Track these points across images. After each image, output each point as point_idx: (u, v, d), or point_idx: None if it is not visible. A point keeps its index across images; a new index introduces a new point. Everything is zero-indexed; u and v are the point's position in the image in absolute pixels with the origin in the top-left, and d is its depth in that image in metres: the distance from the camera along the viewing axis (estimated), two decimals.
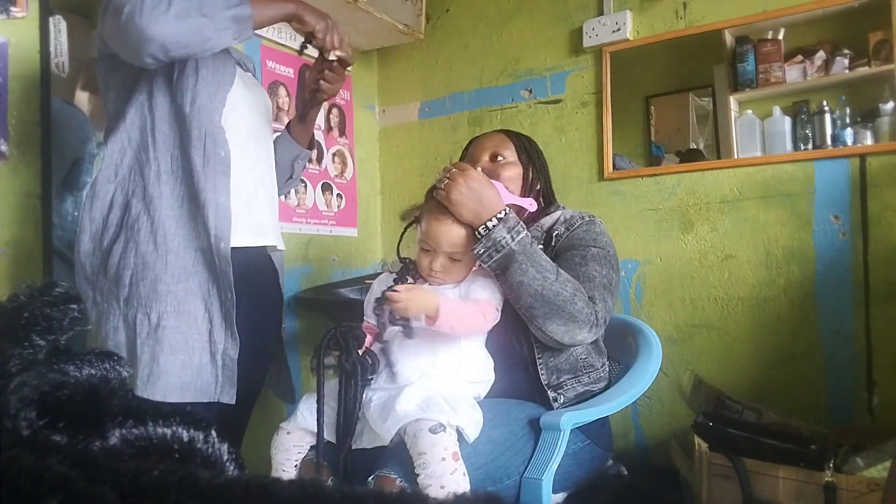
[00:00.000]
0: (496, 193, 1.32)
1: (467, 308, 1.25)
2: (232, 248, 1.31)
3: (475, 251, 1.28)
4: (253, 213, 1.40)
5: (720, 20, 2.12)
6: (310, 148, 1.65)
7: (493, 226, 1.28)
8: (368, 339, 1.30)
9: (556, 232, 1.43)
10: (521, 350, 1.37)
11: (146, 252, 1.26)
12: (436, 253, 1.31)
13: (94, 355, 0.43)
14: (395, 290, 1.17)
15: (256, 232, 1.43)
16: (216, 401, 1.28)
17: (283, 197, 2.36)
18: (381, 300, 1.21)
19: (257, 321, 1.42)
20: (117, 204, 1.30)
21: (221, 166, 1.32)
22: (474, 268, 1.35)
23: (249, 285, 1.37)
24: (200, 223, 1.29)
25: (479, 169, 1.41)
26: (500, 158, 1.47)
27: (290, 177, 1.66)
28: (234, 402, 1.29)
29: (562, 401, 1.36)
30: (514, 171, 1.46)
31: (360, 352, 1.24)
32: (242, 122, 1.39)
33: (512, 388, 1.37)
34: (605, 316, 1.34)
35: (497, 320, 1.30)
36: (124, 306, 1.26)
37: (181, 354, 1.25)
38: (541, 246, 1.39)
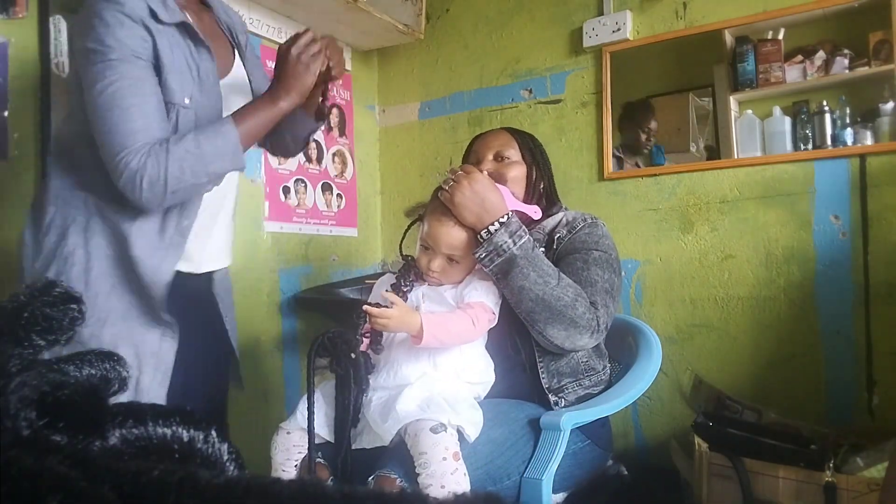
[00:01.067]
0: (500, 198, 1.31)
1: (454, 318, 1.24)
2: (180, 274, 1.27)
3: (476, 255, 1.28)
4: (206, 246, 1.34)
5: (720, 20, 2.12)
6: (318, 118, 1.45)
7: (496, 230, 1.27)
8: (364, 342, 1.29)
9: (558, 234, 1.42)
10: (522, 353, 1.36)
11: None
12: (435, 253, 1.31)
13: (94, 355, 0.43)
14: (378, 306, 1.17)
15: (208, 259, 1.38)
16: None
17: (283, 196, 2.37)
18: (360, 313, 1.19)
19: (207, 340, 1.40)
20: (55, 227, 1.21)
21: (179, 238, 1.24)
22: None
23: (198, 310, 1.35)
24: (131, 267, 1.22)
25: (485, 170, 1.41)
26: (504, 158, 1.47)
27: (304, 144, 1.55)
28: None
29: (563, 405, 1.35)
30: (518, 171, 1.46)
31: (353, 356, 1.24)
32: None
33: (512, 391, 1.36)
34: (607, 321, 1.34)
35: (493, 322, 1.30)
36: None
37: None
38: (542, 248, 1.38)
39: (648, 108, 2.29)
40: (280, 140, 1.49)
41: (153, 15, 1.16)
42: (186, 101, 1.20)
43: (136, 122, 1.12)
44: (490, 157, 1.48)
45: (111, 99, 1.12)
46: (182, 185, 1.15)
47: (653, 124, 2.30)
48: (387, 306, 1.18)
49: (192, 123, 1.20)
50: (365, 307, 1.17)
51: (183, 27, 1.22)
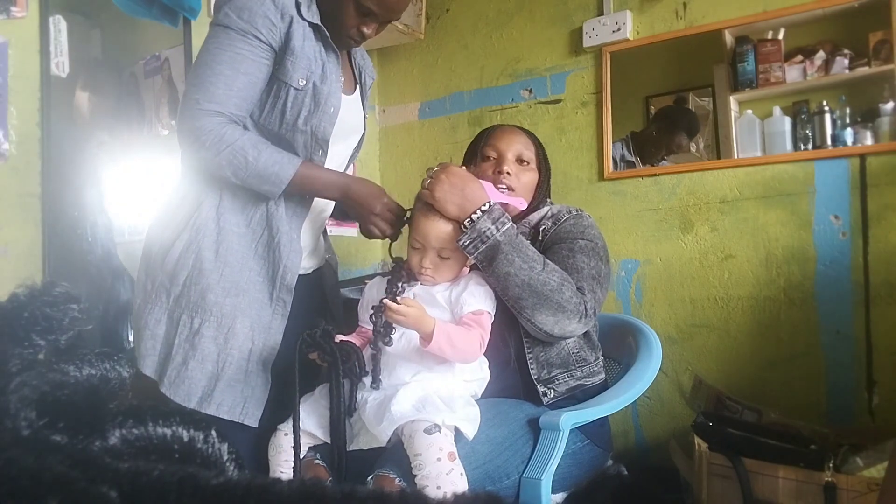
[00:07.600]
0: (479, 187, 1.32)
1: (462, 336, 1.23)
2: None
3: (460, 243, 1.28)
4: (317, 240, 1.46)
5: (720, 20, 2.12)
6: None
7: (478, 218, 1.28)
8: (357, 340, 1.29)
9: (543, 227, 1.43)
10: (510, 346, 1.36)
11: (205, 259, 1.27)
12: (425, 250, 1.30)
13: (94, 355, 0.43)
14: (396, 301, 1.17)
15: (316, 256, 1.49)
16: (240, 421, 1.28)
17: None
18: (380, 307, 1.21)
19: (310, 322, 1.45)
20: (189, 200, 1.29)
21: (301, 209, 1.34)
22: (466, 271, 1.35)
23: (304, 299, 1.40)
24: (263, 247, 1.31)
25: (507, 169, 1.42)
26: (525, 162, 1.46)
27: None
28: (256, 425, 1.30)
29: (552, 395, 1.35)
30: (532, 178, 1.47)
31: (336, 342, 1.23)
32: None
33: (502, 384, 1.36)
34: (595, 307, 1.34)
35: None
36: (173, 303, 1.28)
37: (209, 365, 1.27)
38: (528, 241, 1.38)
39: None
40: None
41: (297, 8, 1.26)
42: (301, 82, 1.27)
43: (218, 88, 1.21)
44: (513, 157, 1.46)
45: (211, 58, 1.22)
46: (218, 173, 1.23)
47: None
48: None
49: (300, 105, 1.28)
50: (385, 300, 1.18)
51: (318, 29, 1.30)
